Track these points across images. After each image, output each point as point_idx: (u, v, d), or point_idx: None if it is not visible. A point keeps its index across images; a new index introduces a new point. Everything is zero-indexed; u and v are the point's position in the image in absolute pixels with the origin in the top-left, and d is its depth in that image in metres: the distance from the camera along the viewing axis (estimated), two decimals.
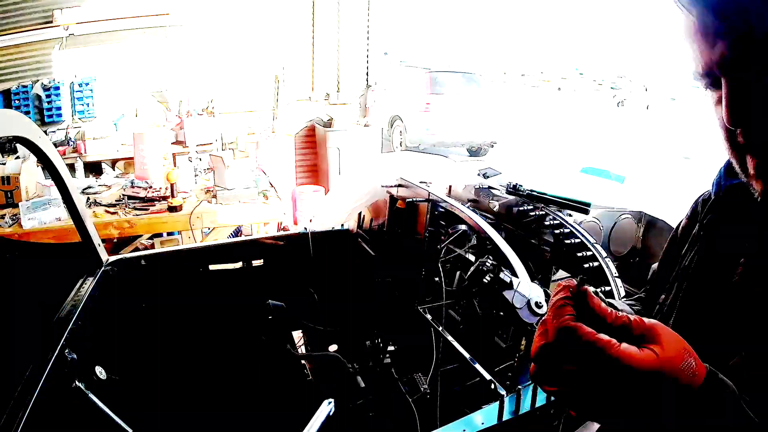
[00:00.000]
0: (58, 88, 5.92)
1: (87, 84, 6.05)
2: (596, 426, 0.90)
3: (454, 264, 2.23)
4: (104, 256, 2.15)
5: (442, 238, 2.23)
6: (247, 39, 6.37)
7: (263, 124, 6.15)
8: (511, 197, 2.16)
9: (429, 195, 2.24)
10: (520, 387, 1.20)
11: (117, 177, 4.70)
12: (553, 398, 1.10)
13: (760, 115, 0.58)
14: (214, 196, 4.02)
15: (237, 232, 4.57)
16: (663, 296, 0.88)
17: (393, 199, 2.50)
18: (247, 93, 6.43)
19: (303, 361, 2.61)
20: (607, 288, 1.56)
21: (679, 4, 0.59)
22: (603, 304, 0.57)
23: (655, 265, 1.05)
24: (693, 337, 0.73)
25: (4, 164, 4.11)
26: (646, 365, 0.52)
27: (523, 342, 1.48)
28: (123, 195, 4.05)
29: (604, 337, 0.53)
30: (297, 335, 2.82)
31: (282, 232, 4.04)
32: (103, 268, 2.10)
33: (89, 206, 3.88)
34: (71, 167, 5.00)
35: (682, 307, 0.80)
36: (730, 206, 0.76)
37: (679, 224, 0.93)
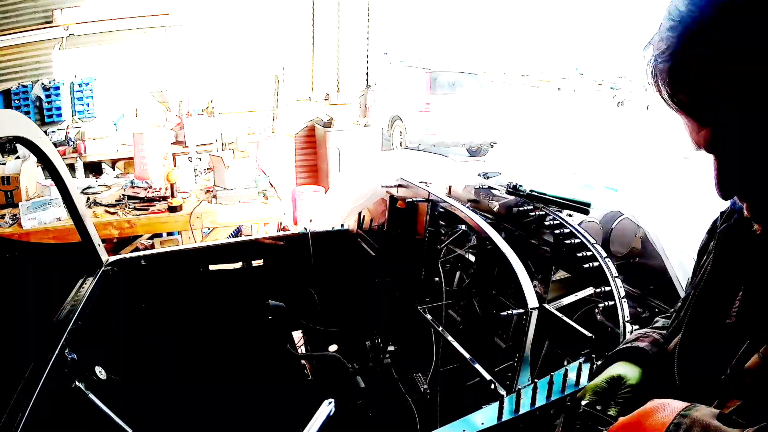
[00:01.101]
0: (58, 88, 5.92)
1: (87, 84, 6.05)
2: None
3: (454, 264, 2.23)
4: (104, 256, 2.15)
5: (442, 238, 2.23)
6: (247, 39, 6.38)
7: (263, 124, 6.15)
8: (511, 197, 2.16)
9: (429, 195, 2.24)
10: (520, 387, 1.20)
11: (117, 177, 4.70)
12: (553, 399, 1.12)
13: (747, 189, 0.65)
14: (214, 196, 4.02)
15: (237, 232, 4.57)
16: (679, 305, 0.92)
17: (393, 199, 2.50)
18: (247, 93, 6.44)
19: (303, 361, 2.61)
20: (607, 288, 1.56)
21: (665, 97, 0.65)
22: None
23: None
24: (698, 352, 0.79)
25: (4, 164, 4.11)
26: None
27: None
28: (123, 195, 4.05)
29: None
30: (297, 335, 2.82)
31: (282, 232, 4.04)
32: (103, 268, 2.10)
33: (89, 206, 3.88)
34: (71, 167, 5.00)
35: (691, 320, 0.83)
36: (742, 218, 0.77)
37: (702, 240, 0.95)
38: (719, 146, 0.64)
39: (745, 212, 0.68)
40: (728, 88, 0.58)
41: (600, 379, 0.96)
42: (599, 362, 1.07)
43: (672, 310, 1.13)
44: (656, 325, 1.08)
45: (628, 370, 0.94)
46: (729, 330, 0.73)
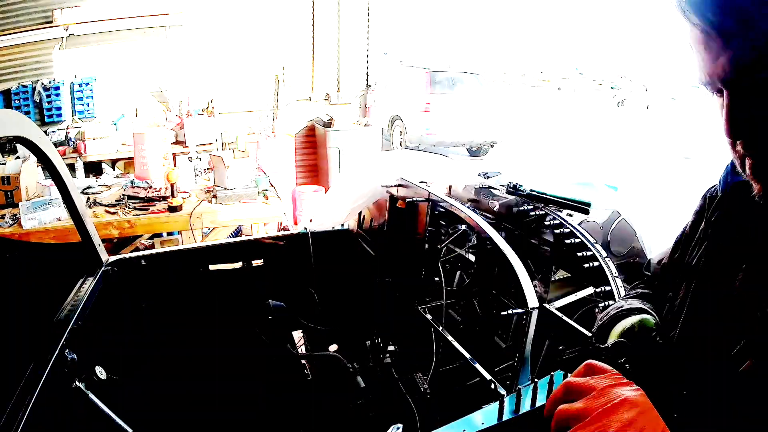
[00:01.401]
0: (58, 88, 5.92)
1: (87, 84, 6.05)
2: None
3: (454, 264, 2.23)
4: (104, 256, 2.15)
5: (442, 237, 2.23)
6: (247, 39, 6.37)
7: (263, 124, 6.15)
8: (511, 197, 2.16)
9: (429, 195, 2.24)
10: (520, 387, 1.20)
11: (117, 177, 4.70)
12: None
13: (759, 131, 0.61)
14: (214, 196, 4.02)
15: (237, 232, 4.57)
16: (671, 294, 0.89)
17: (393, 199, 2.50)
18: (247, 93, 6.43)
19: (303, 361, 2.61)
20: (608, 288, 1.56)
21: (685, 15, 0.61)
22: None
23: (653, 258, 1.05)
24: (701, 336, 0.76)
25: (4, 164, 4.11)
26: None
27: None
28: (123, 195, 4.05)
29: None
30: (297, 335, 2.82)
31: (282, 232, 4.04)
32: (103, 268, 2.10)
33: (89, 206, 3.88)
34: (71, 167, 5.00)
35: (691, 307, 0.81)
36: (736, 204, 0.76)
37: (688, 221, 0.93)
38: (741, 72, 0.58)
39: (747, 170, 0.64)
40: None
41: (629, 322, 0.89)
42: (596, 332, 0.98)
43: (636, 290, 1.08)
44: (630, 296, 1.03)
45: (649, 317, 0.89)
46: (733, 304, 0.71)
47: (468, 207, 2.14)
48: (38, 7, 5.75)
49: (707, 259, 0.80)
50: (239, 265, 2.69)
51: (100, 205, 3.93)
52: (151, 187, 4.22)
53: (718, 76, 0.61)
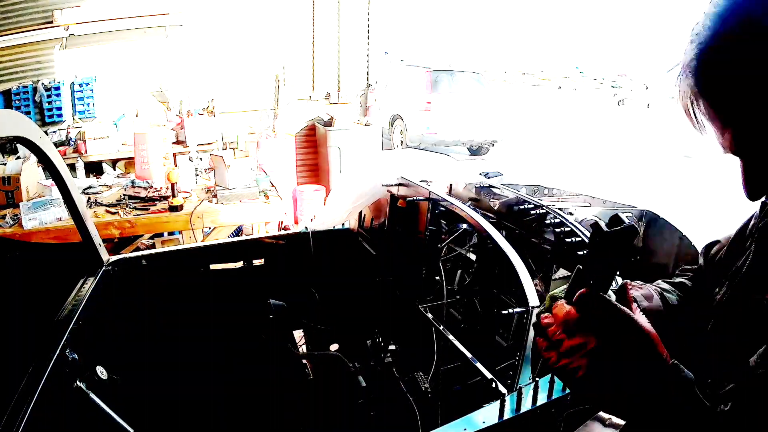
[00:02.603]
0: (58, 88, 5.93)
1: (87, 84, 6.05)
2: (597, 426, 0.90)
3: (455, 263, 2.23)
4: (105, 256, 2.15)
5: (443, 236, 2.23)
6: (247, 39, 6.37)
7: (264, 123, 6.15)
8: (512, 195, 2.16)
9: (430, 194, 2.24)
10: (521, 386, 1.20)
11: (118, 177, 4.70)
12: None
13: None
14: (215, 196, 4.02)
15: (238, 232, 4.57)
16: (717, 290, 0.91)
17: (394, 198, 2.50)
18: (248, 93, 6.43)
19: (304, 361, 2.61)
20: None
21: (694, 97, 0.70)
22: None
23: (716, 242, 1.04)
24: (731, 337, 0.78)
25: (5, 164, 4.11)
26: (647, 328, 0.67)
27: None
28: (124, 195, 4.05)
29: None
30: (298, 334, 2.82)
31: (283, 232, 4.04)
32: (103, 268, 2.10)
33: (90, 206, 3.88)
34: (72, 167, 5.00)
35: (726, 307, 0.83)
36: None
37: (746, 219, 0.94)
38: (743, 146, 0.68)
39: None
40: (749, 93, 0.63)
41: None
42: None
43: (678, 280, 1.11)
44: (659, 284, 1.06)
45: None
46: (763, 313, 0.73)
47: (469, 206, 2.14)
48: (38, 7, 5.75)
49: (751, 265, 0.82)
50: (240, 264, 2.69)
51: (101, 205, 3.93)
52: (151, 186, 4.22)
53: (726, 146, 0.69)
